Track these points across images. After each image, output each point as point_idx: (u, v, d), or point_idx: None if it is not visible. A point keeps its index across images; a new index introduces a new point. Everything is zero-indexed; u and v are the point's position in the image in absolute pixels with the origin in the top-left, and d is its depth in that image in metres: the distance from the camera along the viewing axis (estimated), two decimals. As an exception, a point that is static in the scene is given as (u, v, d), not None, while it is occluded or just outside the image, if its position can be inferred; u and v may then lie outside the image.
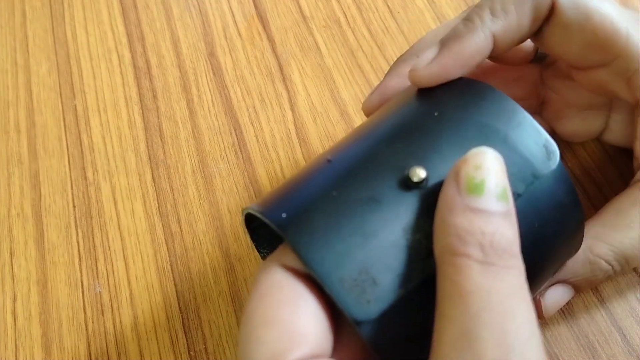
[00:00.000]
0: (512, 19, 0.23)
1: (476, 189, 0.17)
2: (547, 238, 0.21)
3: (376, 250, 0.18)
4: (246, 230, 0.23)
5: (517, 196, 0.19)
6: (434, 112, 0.21)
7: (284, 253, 0.20)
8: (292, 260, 0.19)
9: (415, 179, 0.19)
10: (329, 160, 0.21)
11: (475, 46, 0.23)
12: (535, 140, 0.20)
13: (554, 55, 0.27)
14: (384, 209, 0.19)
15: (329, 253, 0.18)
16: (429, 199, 0.19)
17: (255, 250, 0.25)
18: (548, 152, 0.20)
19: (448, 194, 0.18)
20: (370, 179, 0.19)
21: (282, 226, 0.19)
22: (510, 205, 0.18)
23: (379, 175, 0.19)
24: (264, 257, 0.25)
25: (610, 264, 0.25)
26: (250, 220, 0.23)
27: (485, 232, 0.17)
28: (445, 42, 0.23)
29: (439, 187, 0.19)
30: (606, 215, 0.25)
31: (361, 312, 0.17)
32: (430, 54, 0.23)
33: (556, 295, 0.26)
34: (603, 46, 0.24)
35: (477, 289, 0.16)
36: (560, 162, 0.21)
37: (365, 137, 0.22)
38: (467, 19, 0.23)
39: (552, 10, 0.24)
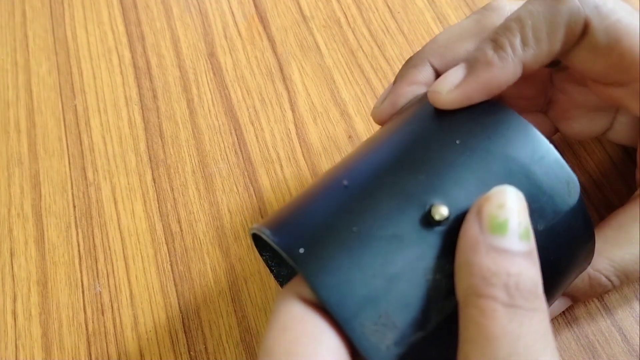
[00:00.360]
0: (544, 48, 0.23)
1: (499, 228, 0.17)
2: (561, 269, 0.21)
3: (398, 293, 0.18)
4: (254, 246, 0.23)
5: (536, 232, 0.19)
6: (456, 139, 0.20)
7: (301, 284, 0.19)
8: (311, 293, 0.19)
9: (437, 217, 0.18)
10: (345, 186, 0.20)
11: (505, 76, 0.22)
12: (558, 175, 0.20)
13: (574, 70, 0.26)
14: (406, 247, 0.18)
15: (351, 297, 0.17)
16: (451, 237, 0.18)
17: (266, 265, 0.24)
18: (569, 188, 0.20)
19: (471, 233, 0.17)
20: (392, 214, 0.19)
21: (301, 264, 0.18)
22: (532, 245, 0.17)
23: (402, 211, 0.19)
24: (271, 271, 0.25)
25: (609, 279, 0.24)
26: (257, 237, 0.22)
27: (511, 273, 0.16)
28: (473, 67, 0.22)
29: (459, 224, 0.18)
30: (607, 231, 0.25)
31: (381, 357, 0.17)
32: (454, 77, 0.22)
33: (553, 307, 0.26)
34: (627, 69, 0.23)
35: (504, 333, 0.16)
36: (581, 197, 0.20)
37: (384, 160, 0.21)
38: (497, 44, 0.22)
39: (583, 34, 0.23)
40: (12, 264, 0.33)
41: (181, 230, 0.33)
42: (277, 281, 0.25)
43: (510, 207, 0.17)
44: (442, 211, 0.18)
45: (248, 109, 0.37)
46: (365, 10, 0.40)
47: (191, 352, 0.29)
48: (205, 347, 0.30)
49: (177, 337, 0.30)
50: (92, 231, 0.33)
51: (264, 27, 0.40)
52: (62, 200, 0.34)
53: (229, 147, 0.35)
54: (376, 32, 0.39)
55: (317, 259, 0.18)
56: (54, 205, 0.34)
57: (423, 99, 0.23)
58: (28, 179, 0.35)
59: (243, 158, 0.35)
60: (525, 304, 0.16)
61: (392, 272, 0.18)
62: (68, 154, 0.36)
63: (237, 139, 0.36)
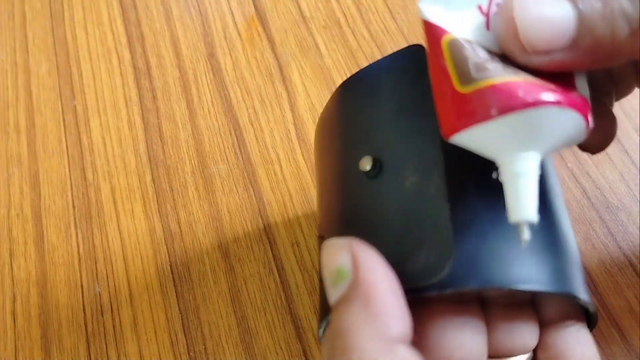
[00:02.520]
0: None
1: None
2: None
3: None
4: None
5: None
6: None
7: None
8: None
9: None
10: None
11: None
12: None
13: None
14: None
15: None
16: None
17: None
18: None
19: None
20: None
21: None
22: None
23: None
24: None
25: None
26: None
27: None
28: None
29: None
30: None
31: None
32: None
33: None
34: None
35: None
36: None
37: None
38: None
39: None
40: (11, 265, 0.33)
41: (181, 231, 0.33)
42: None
43: None
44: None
45: (248, 110, 0.37)
46: (365, 11, 0.40)
47: (190, 353, 0.29)
48: (205, 348, 0.29)
49: (176, 338, 0.30)
50: (92, 232, 0.33)
51: (264, 28, 0.40)
52: (62, 200, 0.34)
53: (228, 147, 0.35)
54: (376, 32, 0.39)
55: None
56: (53, 205, 0.34)
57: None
58: (27, 179, 0.35)
59: (243, 159, 0.35)
60: None
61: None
62: (68, 155, 0.36)
63: (237, 139, 0.36)
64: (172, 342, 0.30)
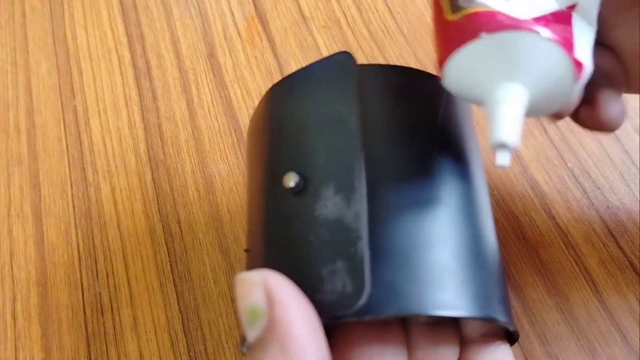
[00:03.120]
0: None
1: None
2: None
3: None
4: None
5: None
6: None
7: None
8: None
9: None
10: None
11: None
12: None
13: None
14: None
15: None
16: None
17: None
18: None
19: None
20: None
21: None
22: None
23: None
24: None
25: None
26: None
27: None
28: None
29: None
30: None
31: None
32: None
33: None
34: None
35: None
36: None
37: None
38: None
39: None
40: (11, 265, 0.33)
41: (181, 231, 0.33)
42: None
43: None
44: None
45: (248, 110, 0.37)
46: (365, 10, 0.40)
47: (191, 353, 0.29)
48: (205, 348, 0.29)
49: (176, 338, 0.30)
50: (92, 232, 0.33)
51: (264, 28, 0.40)
52: (62, 200, 0.34)
53: (228, 147, 0.35)
54: (376, 32, 0.39)
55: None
56: (53, 205, 0.34)
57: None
58: (28, 179, 0.35)
59: (243, 159, 0.35)
60: None
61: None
62: (68, 155, 0.36)
63: (237, 139, 0.36)
64: (172, 342, 0.30)
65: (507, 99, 0.18)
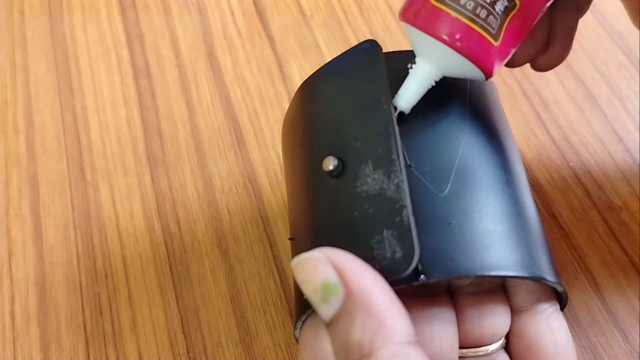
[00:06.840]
0: None
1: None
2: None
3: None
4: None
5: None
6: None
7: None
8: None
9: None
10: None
11: None
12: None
13: None
14: None
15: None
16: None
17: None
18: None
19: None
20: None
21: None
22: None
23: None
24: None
25: None
26: None
27: None
28: None
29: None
30: None
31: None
32: None
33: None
34: None
35: None
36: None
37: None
38: None
39: None
40: (10, 265, 0.33)
41: (180, 231, 0.33)
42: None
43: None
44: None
45: (247, 109, 0.36)
46: (366, 9, 0.40)
47: (190, 354, 0.29)
48: (204, 348, 0.29)
49: (176, 338, 0.30)
50: (91, 232, 0.33)
51: (264, 26, 0.40)
52: (61, 200, 0.34)
53: (228, 147, 0.35)
54: (376, 31, 0.39)
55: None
56: (52, 205, 0.34)
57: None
58: (26, 179, 0.35)
59: (242, 158, 0.35)
60: None
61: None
62: (66, 154, 0.36)
63: (237, 139, 0.35)
64: (171, 342, 0.30)
65: (414, 71, 0.22)
